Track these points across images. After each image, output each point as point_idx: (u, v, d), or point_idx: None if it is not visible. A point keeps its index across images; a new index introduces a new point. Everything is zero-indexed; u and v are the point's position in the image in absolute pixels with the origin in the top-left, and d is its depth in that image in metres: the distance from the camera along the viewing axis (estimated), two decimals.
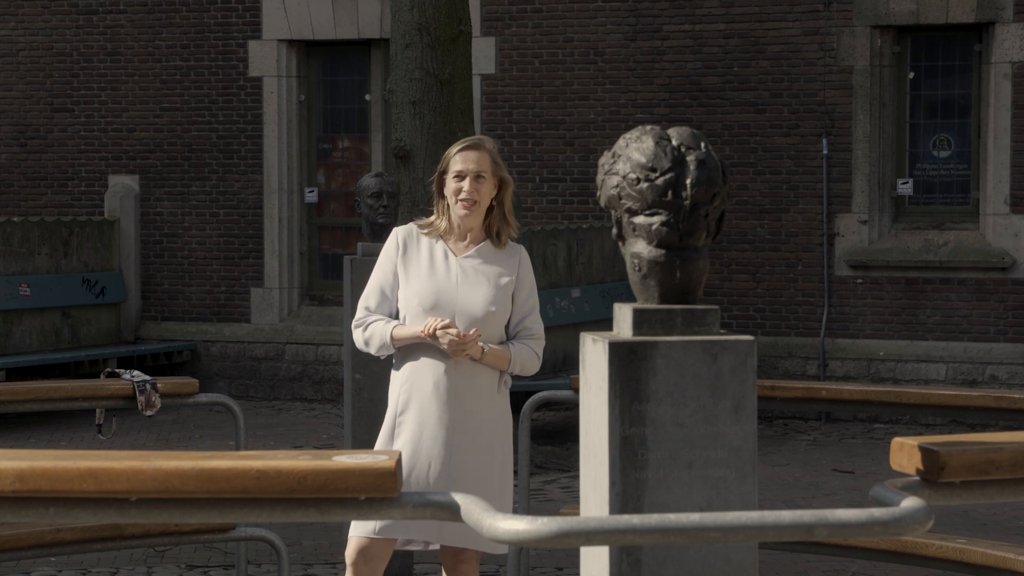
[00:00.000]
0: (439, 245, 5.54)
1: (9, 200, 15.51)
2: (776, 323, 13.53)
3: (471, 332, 5.40)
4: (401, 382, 5.55)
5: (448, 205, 5.52)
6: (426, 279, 5.48)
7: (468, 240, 5.55)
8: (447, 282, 5.48)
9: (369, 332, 5.56)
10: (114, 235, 14.97)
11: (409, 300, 5.50)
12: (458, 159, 5.46)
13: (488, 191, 5.49)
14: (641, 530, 2.95)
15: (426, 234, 5.56)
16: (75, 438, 12.34)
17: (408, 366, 5.53)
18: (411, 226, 5.63)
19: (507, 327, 5.57)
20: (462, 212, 5.47)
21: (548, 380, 11.23)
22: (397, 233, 5.61)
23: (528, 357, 5.54)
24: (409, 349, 5.52)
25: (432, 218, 5.60)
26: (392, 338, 5.50)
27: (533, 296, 5.59)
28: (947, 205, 13.39)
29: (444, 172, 5.51)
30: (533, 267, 5.68)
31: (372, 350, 5.57)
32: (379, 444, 5.59)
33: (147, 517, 3.15)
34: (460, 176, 5.45)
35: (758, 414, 3.51)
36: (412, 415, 5.49)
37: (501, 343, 5.54)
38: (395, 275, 5.55)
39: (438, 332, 5.38)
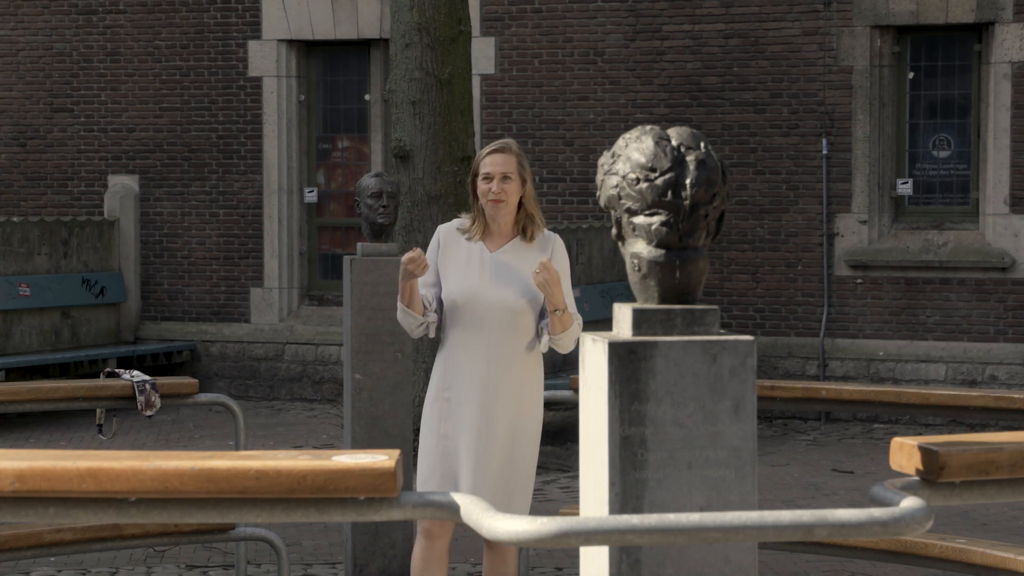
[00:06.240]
0: (476, 244, 5.96)
1: (9, 200, 15.51)
2: (776, 323, 13.53)
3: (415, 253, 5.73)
4: (443, 366, 5.93)
5: (481, 206, 5.94)
6: (461, 277, 5.91)
7: (501, 237, 5.94)
8: (480, 278, 5.89)
9: (398, 318, 5.97)
10: (114, 235, 14.97)
11: (447, 298, 5.92)
12: (486, 162, 5.91)
13: (515, 190, 5.91)
14: (641, 530, 2.95)
15: (467, 238, 5.96)
16: (75, 438, 12.34)
17: (449, 347, 5.92)
18: (452, 225, 6.05)
19: (543, 314, 5.92)
20: (491, 209, 5.88)
21: (548, 380, 11.19)
22: (439, 232, 6.03)
23: (576, 331, 5.85)
24: (449, 331, 5.91)
25: (470, 220, 6.00)
26: (400, 303, 5.85)
27: (566, 282, 5.92)
28: (947, 205, 13.38)
29: (475, 175, 5.94)
30: None
31: (411, 329, 5.93)
32: (424, 423, 5.93)
33: (147, 517, 3.15)
34: (488, 178, 5.88)
35: (758, 414, 3.50)
36: (453, 396, 5.87)
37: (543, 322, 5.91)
38: (435, 272, 5.95)
39: (410, 259, 5.70)
